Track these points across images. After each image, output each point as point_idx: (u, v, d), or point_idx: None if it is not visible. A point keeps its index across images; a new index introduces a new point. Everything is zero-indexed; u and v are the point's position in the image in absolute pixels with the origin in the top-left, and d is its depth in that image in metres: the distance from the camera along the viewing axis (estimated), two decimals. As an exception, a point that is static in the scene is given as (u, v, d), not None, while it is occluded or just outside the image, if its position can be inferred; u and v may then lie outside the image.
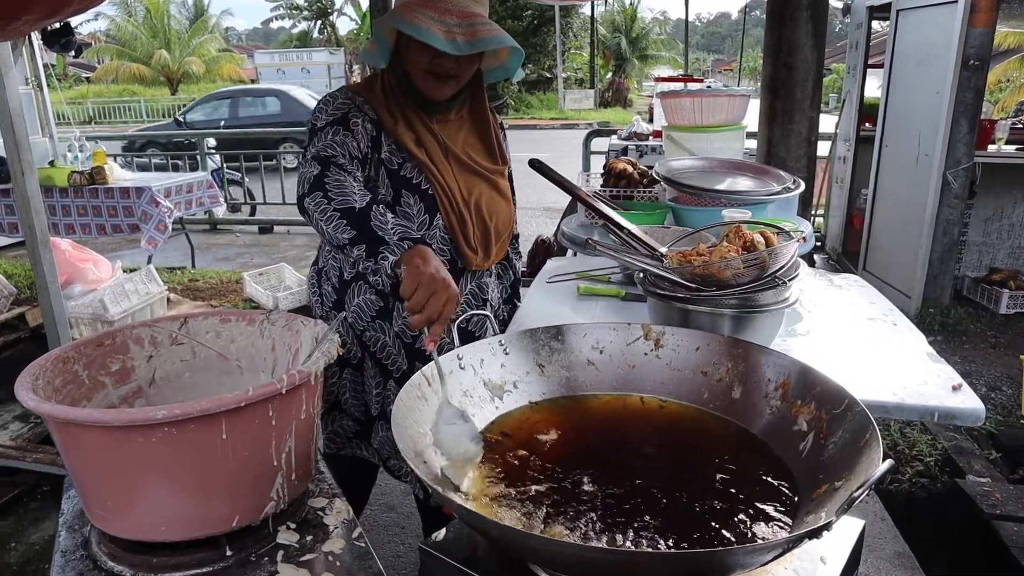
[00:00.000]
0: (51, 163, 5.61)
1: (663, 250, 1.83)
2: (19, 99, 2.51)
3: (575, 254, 3.54)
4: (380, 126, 1.72)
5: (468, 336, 1.88)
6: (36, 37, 7.06)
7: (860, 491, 0.85)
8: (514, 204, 2.03)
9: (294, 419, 1.28)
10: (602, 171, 3.12)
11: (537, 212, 8.60)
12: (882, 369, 1.69)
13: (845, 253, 6.46)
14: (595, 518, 1.14)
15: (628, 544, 1.06)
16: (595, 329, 1.60)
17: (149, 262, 5.52)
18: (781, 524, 1.09)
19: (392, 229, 1.45)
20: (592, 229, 3.01)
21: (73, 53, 6.37)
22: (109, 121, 26.53)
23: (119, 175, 5.52)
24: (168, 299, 5.14)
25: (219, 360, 1.57)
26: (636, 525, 1.11)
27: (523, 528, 1.10)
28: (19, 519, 3.05)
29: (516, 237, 2.08)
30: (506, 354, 1.54)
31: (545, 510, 1.17)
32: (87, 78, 33.10)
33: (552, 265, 2.60)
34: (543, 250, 3.79)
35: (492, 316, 1.83)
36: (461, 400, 1.43)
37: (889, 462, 0.90)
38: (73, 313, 4.45)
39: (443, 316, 1.38)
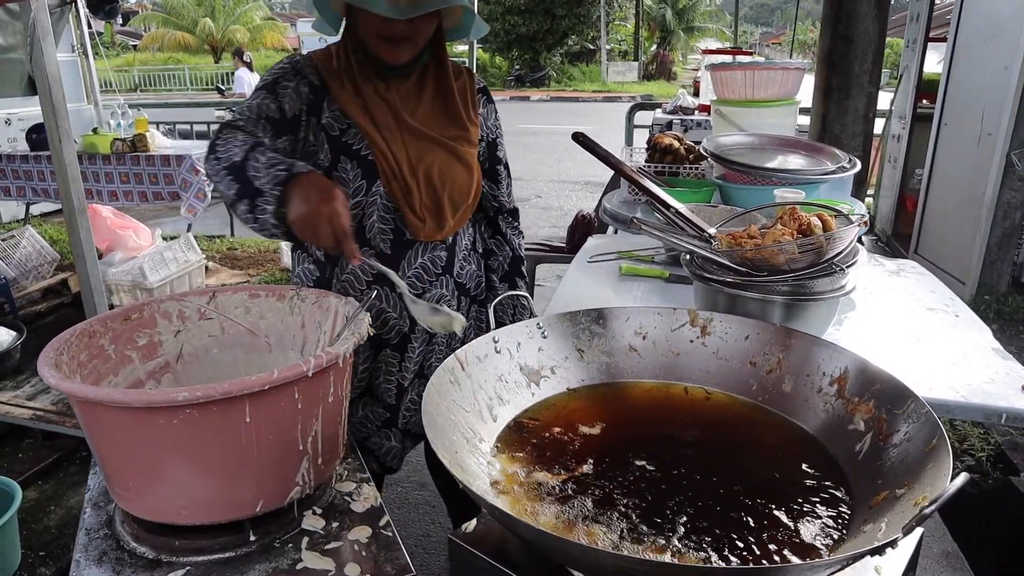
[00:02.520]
0: (95, 130, 5.65)
1: (711, 231, 1.74)
2: (57, 66, 2.48)
3: (616, 231, 3.45)
4: (325, 91, 1.65)
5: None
6: (83, 5, 7.11)
7: (931, 508, 0.77)
8: (507, 176, 1.90)
9: (321, 402, 1.23)
10: (646, 146, 3.01)
11: (577, 186, 8.47)
12: (944, 365, 1.58)
13: (896, 235, 6.25)
14: (635, 518, 1.07)
15: (670, 552, 0.99)
16: (638, 313, 1.53)
17: (188, 230, 5.53)
18: (835, 534, 1.02)
19: (264, 175, 1.33)
20: (635, 206, 2.92)
21: (120, 21, 6.39)
22: (155, 89, 26.82)
23: (160, 143, 5.54)
24: (206, 267, 5.17)
25: (248, 336, 1.53)
26: (678, 528, 1.04)
27: (557, 531, 1.04)
28: (59, 483, 3.08)
29: (514, 212, 1.95)
30: (544, 338, 1.47)
31: (581, 507, 1.10)
32: (134, 46, 33.42)
33: (593, 243, 2.51)
34: (583, 226, 3.69)
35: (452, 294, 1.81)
36: (496, 385, 1.37)
37: (964, 476, 0.81)
38: (113, 280, 4.50)
39: (340, 232, 1.29)
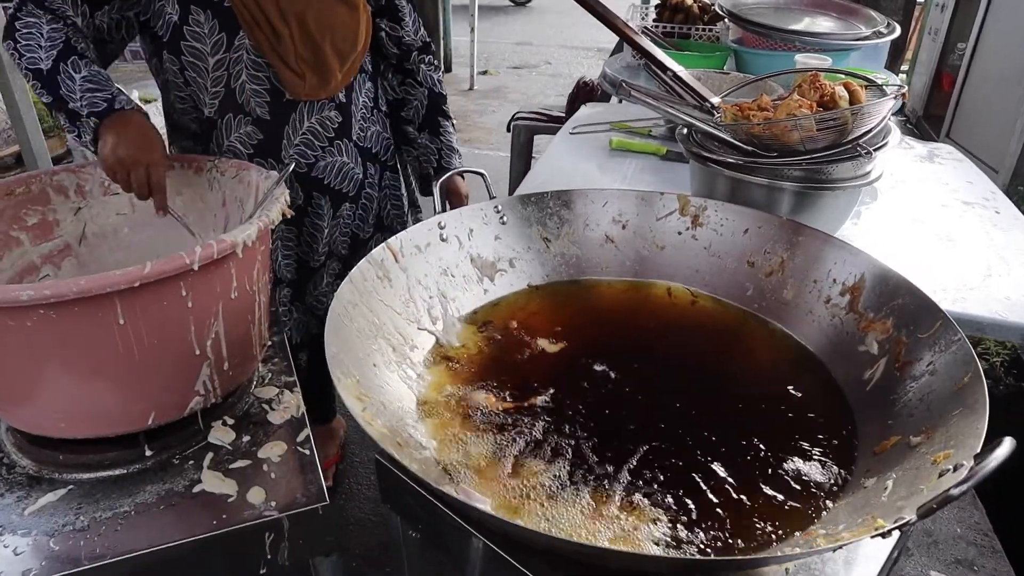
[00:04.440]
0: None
1: (715, 100, 1.47)
2: None
3: (620, 101, 3.15)
4: None
5: (314, 184, 1.57)
6: None
7: (959, 488, 0.57)
8: (411, 10, 1.63)
9: (220, 299, 1.03)
10: (657, 2, 2.67)
11: (590, 53, 7.96)
12: (979, 272, 1.35)
13: (927, 117, 5.84)
14: (584, 451, 0.88)
15: (615, 504, 0.80)
16: (618, 198, 1.29)
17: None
18: (828, 485, 0.82)
19: (80, 98, 1.23)
20: (638, 72, 2.62)
21: None
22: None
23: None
24: None
25: (162, 215, 1.31)
26: (631, 467, 0.85)
27: (479, 469, 0.85)
28: None
29: (425, 47, 1.68)
30: (503, 223, 1.25)
31: (521, 434, 0.91)
32: None
33: (585, 113, 2.24)
34: (584, 94, 3.38)
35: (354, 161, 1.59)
36: (439, 280, 1.16)
37: (1009, 443, 0.60)
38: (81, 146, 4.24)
39: (156, 185, 1.22)
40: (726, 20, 2.47)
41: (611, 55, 3.67)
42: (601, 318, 1.19)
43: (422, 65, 1.65)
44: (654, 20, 2.63)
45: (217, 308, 1.02)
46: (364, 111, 1.59)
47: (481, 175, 1.25)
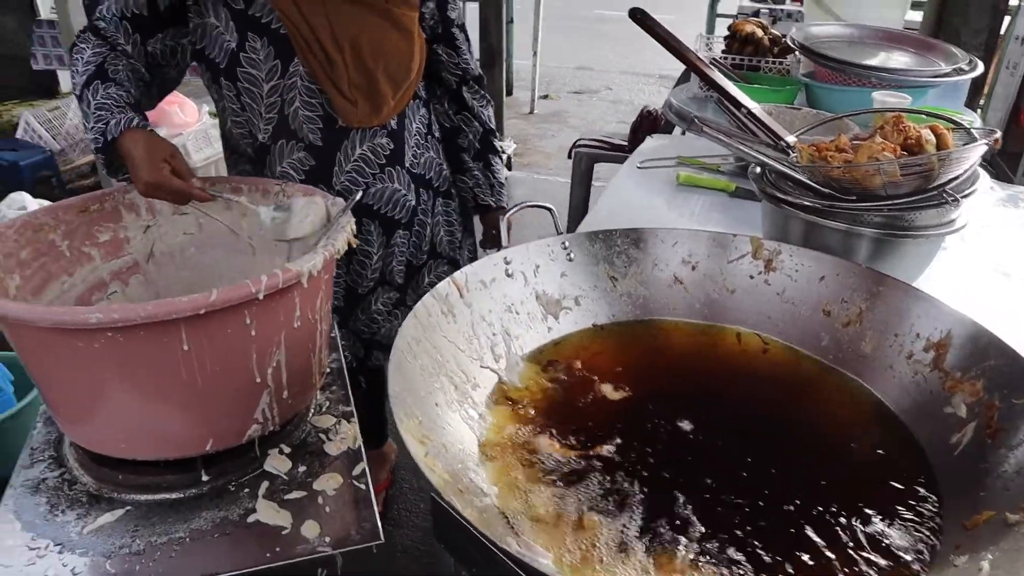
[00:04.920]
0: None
1: (790, 139, 1.43)
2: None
3: (683, 133, 3.10)
4: None
5: (364, 210, 1.55)
6: None
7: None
8: (466, 39, 1.63)
9: (283, 327, 1.02)
10: (726, 33, 2.63)
11: (651, 80, 7.92)
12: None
13: (1003, 155, 5.65)
14: (651, 510, 0.84)
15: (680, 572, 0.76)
16: (689, 238, 1.26)
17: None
18: (917, 560, 0.77)
19: (90, 128, 1.22)
20: (706, 104, 2.58)
21: None
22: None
23: (213, 13, 5.29)
24: None
25: (228, 236, 1.35)
26: (699, 530, 0.81)
27: (544, 524, 0.82)
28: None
29: (479, 80, 1.69)
30: (570, 260, 1.22)
31: (587, 487, 0.88)
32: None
33: (650, 145, 2.21)
34: (648, 124, 3.34)
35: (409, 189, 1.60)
36: (503, 317, 1.14)
37: None
38: (157, 156, 4.36)
39: (176, 192, 1.20)
40: (797, 53, 2.42)
41: (676, 85, 3.63)
42: (668, 362, 1.15)
43: (474, 100, 1.66)
44: (722, 51, 2.59)
45: (280, 337, 1.02)
46: (418, 138, 1.59)
47: (549, 210, 1.23)
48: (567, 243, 1.22)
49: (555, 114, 6.47)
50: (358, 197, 1.18)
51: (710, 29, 5.73)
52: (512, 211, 1.23)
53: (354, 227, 1.13)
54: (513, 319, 1.15)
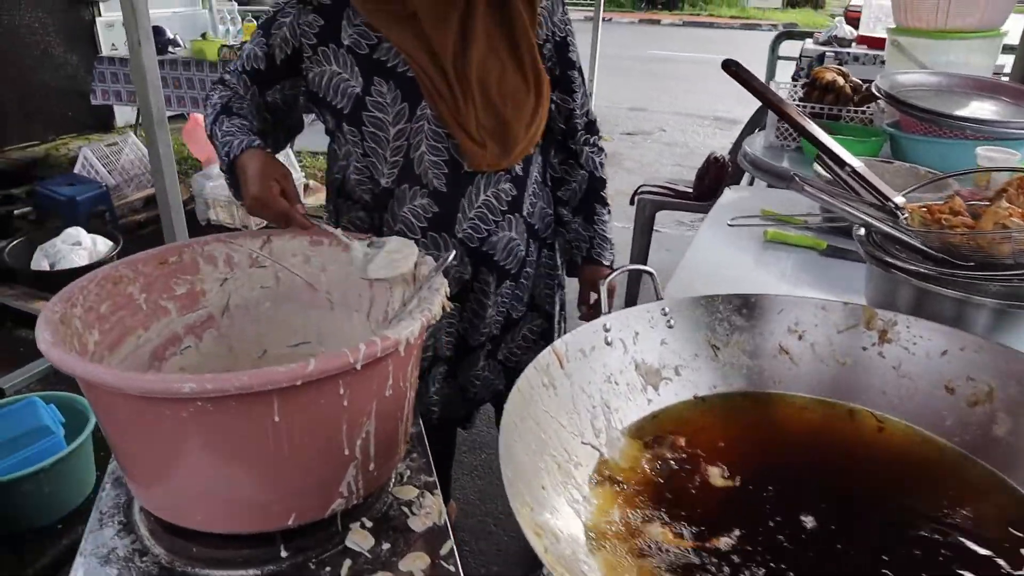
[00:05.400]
0: (203, 35, 5.55)
1: (899, 200, 1.36)
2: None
3: (751, 180, 3.05)
4: (343, 5, 1.39)
5: (483, 259, 1.54)
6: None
7: None
8: (582, 83, 1.60)
9: (375, 396, 0.98)
10: (795, 80, 2.59)
11: (705, 121, 7.89)
12: None
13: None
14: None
15: None
16: (795, 305, 1.20)
17: (292, 145, 5.42)
18: None
19: (222, 155, 1.35)
20: (782, 154, 2.53)
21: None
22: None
23: (268, 51, 5.39)
24: (306, 186, 5.06)
25: (306, 290, 1.32)
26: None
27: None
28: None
29: (590, 126, 1.64)
30: (670, 327, 1.17)
31: (708, 587, 0.81)
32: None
33: (731, 197, 2.15)
34: (715, 171, 3.29)
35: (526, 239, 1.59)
36: (603, 388, 1.08)
37: None
38: (210, 194, 4.44)
39: (278, 213, 1.28)
40: (880, 102, 2.36)
41: (744, 131, 3.59)
42: (777, 441, 1.09)
43: (586, 147, 1.63)
44: (800, 100, 2.53)
45: (371, 407, 0.98)
46: (535, 185, 1.57)
47: (650, 275, 1.18)
48: (667, 309, 1.17)
49: (609, 156, 6.44)
50: (451, 258, 1.15)
51: (771, 74, 5.68)
52: (613, 275, 1.18)
53: (448, 290, 1.09)
54: (612, 390, 1.10)
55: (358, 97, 1.38)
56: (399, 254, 1.18)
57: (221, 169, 1.37)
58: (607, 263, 1.67)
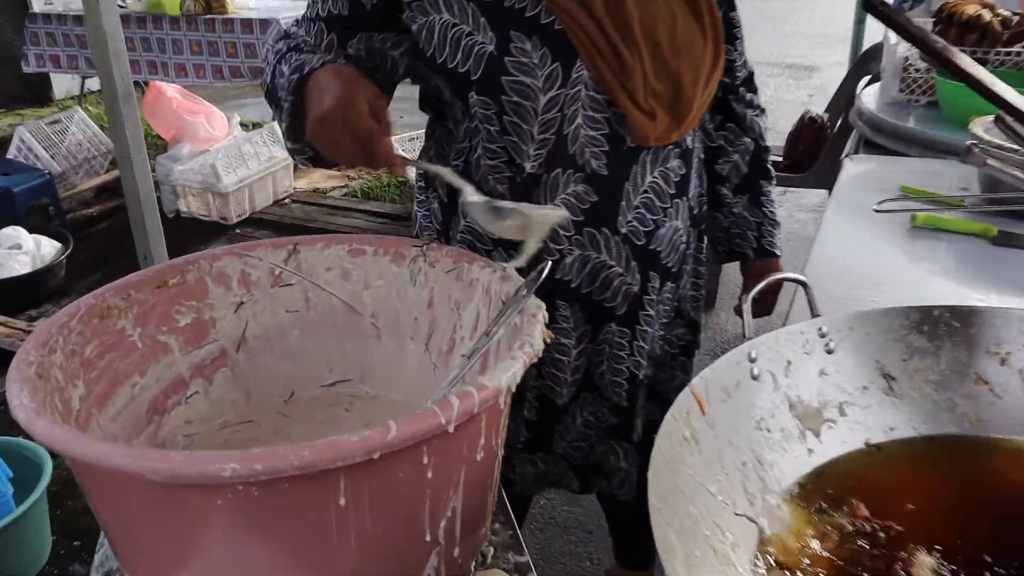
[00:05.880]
0: (161, -16, 5.50)
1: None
2: None
3: (859, 143, 2.94)
4: None
5: (649, 261, 1.45)
6: None
7: None
8: (738, 36, 1.51)
9: (464, 463, 0.91)
10: (933, 15, 2.49)
11: (777, 69, 7.75)
12: None
13: None
14: None
15: None
16: (995, 319, 1.11)
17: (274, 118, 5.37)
18: None
19: (284, 85, 1.24)
20: (907, 111, 2.44)
21: None
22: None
23: (241, 3, 5.33)
24: (295, 166, 5.03)
25: (345, 313, 1.26)
26: None
27: None
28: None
29: (748, 81, 1.56)
30: (828, 352, 1.09)
31: None
32: None
33: (857, 171, 2.06)
34: (811, 134, 3.19)
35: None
36: (752, 437, 1.00)
37: None
38: (179, 180, 4.40)
39: (363, 134, 1.12)
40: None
41: (845, 82, 3.49)
42: (988, 504, 0.99)
43: (748, 109, 1.54)
44: (931, 40, 2.43)
45: (459, 477, 0.90)
46: (697, 160, 1.48)
47: (803, 284, 1.09)
48: (824, 329, 1.08)
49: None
50: (547, 269, 1.06)
51: (865, 6, 5.54)
52: (761, 286, 1.10)
53: (546, 315, 1.00)
54: (764, 440, 1.01)
55: (492, 57, 1.27)
56: (537, 212, 1.12)
57: (281, 101, 1.23)
58: (780, 254, 1.60)
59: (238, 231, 4.54)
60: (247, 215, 4.63)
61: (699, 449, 0.93)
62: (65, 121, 4.84)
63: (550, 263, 1.07)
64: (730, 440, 0.98)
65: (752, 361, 1.03)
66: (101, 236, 4.50)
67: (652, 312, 1.48)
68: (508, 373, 0.87)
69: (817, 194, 4.04)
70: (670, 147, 1.39)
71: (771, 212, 1.60)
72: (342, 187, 5.20)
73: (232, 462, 0.73)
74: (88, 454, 0.77)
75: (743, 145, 1.56)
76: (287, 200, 4.91)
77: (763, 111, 1.59)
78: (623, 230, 1.38)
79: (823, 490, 1.00)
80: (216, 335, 1.20)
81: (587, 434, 1.55)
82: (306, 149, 1.30)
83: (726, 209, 1.59)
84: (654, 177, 1.38)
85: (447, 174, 1.19)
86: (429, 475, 0.85)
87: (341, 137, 1.12)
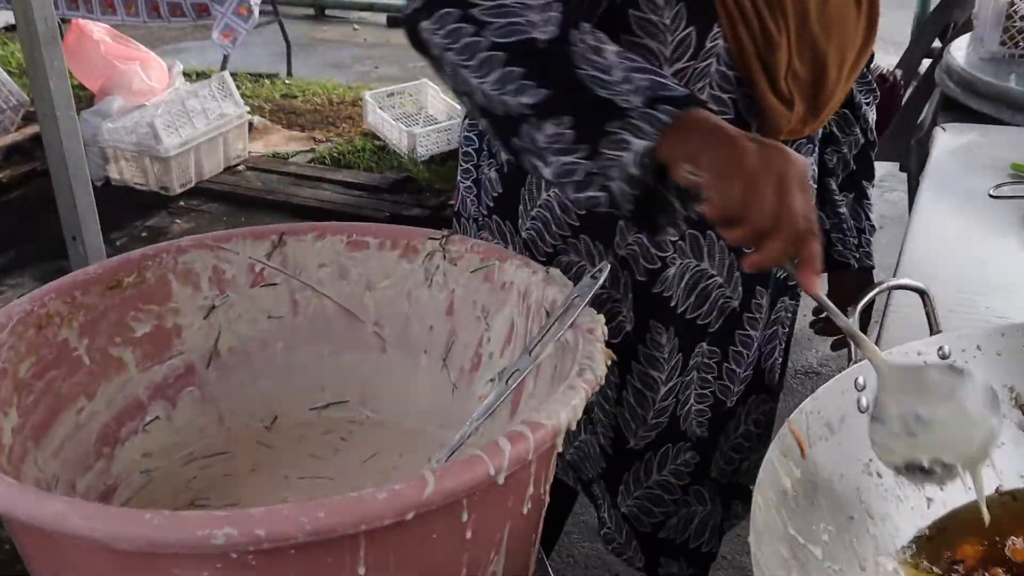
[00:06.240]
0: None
1: None
2: None
3: (938, 108, 2.92)
4: None
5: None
6: None
7: None
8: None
9: (509, 517, 0.89)
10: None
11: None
12: None
13: None
14: None
15: None
16: None
17: (224, 66, 5.34)
18: None
19: (625, 80, 1.02)
20: (1008, 68, 2.41)
21: None
22: None
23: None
24: (250, 125, 5.03)
25: (342, 320, 1.25)
26: None
27: None
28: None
29: (871, 58, 1.52)
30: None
31: None
32: None
33: (954, 143, 2.04)
34: (886, 95, 3.17)
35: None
36: (860, 482, 1.00)
37: None
38: (109, 141, 4.36)
39: (807, 230, 0.95)
40: None
41: (924, 35, 3.47)
42: None
43: (864, 96, 1.54)
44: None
45: (502, 534, 0.89)
46: (815, 155, 1.48)
47: (922, 294, 1.07)
48: (947, 349, 1.07)
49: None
50: (606, 272, 1.02)
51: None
52: (868, 297, 1.07)
53: (605, 330, 0.97)
54: (874, 487, 1.01)
55: (616, 14, 1.21)
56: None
57: (638, 109, 0.99)
58: (872, 264, 1.60)
59: (182, 203, 4.50)
60: (192, 184, 4.58)
61: (802, 496, 0.92)
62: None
63: (608, 265, 1.03)
64: (833, 486, 0.97)
65: (860, 390, 1.01)
66: (12, 208, 4.45)
67: (751, 332, 1.48)
68: (567, 407, 0.84)
69: (884, 167, 4.04)
70: (802, 141, 1.38)
71: (872, 220, 1.60)
72: (307, 151, 5.17)
73: (227, 526, 0.69)
74: (33, 514, 0.72)
75: (854, 136, 1.56)
76: (241, 167, 4.86)
77: (877, 97, 1.59)
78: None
79: (946, 550, 0.99)
80: (181, 347, 1.17)
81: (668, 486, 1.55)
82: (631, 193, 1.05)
83: (830, 207, 1.58)
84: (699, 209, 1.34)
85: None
86: (468, 534, 0.82)
87: (795, 249, 0.97)
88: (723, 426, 1.55)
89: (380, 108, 5.24)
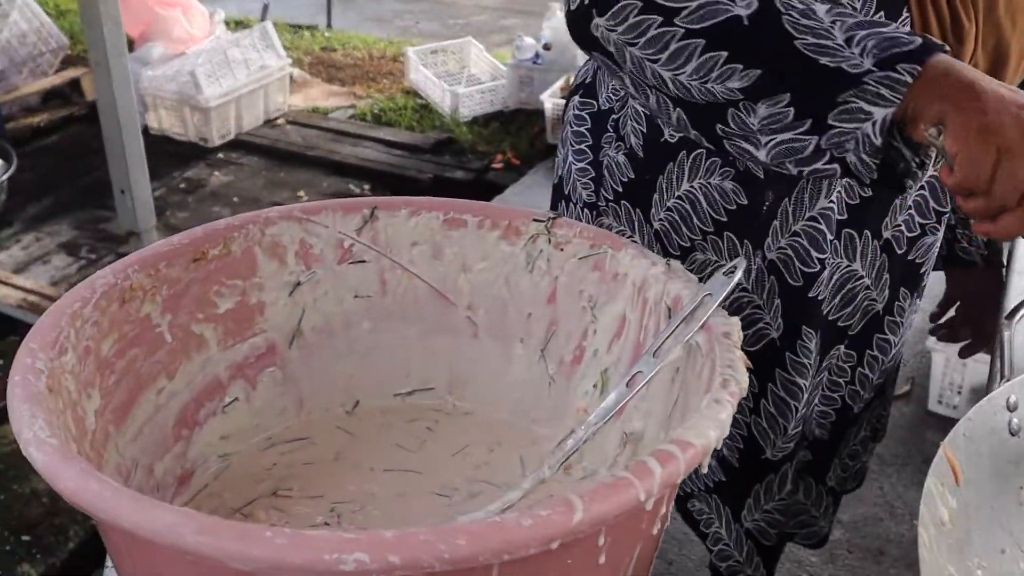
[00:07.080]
0: None
1: None
2: None
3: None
4: None
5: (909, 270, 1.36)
6: None
7: None
8: None
9: (639, 542, 0.82)
10: None
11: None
12: None
13: None
14: None
15: None
16: None
17: (264, 16, 5.27)
18: None
19: (849, 41, 0.94)
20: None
21: None
22: None
23: None
24: (291, 78, 4.97)
25: (433, 302, 1.19)
26: None
27: None
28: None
29: None
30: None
31: None
32: None
33: None
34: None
35: None
36: (1012, 515, 0.93)
37: None
38: (149, 89, 4.31)
39: None
40: None
41: None
42: None
43: None
44: None
45: (631, 556, 0.82)
46: None
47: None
48: None
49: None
50: (741, 270, 0.94)
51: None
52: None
53: (739, 332, 0.90)
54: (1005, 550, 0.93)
55: None
56: None
57: (878, 60, 0.92)
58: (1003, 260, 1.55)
59: (220, 155, 4.47)
60: (232, 136, 4.55)
61: (954, 536, 0.86)
62: (6, 6, 4.72)
63: (744, 262, 0.96)
64: (991, 517, 0.91)
65: (1011, 410, 0.95)
66: (49, 153, 4.41)
67: (890, 337, 1.43)
68: (716, 424, 0.78)
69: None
70: None
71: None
72: (347, 107, 5.12)
73: (358, 550, 0.63)
74: (141, 525, 0.66)
75: None
76: (280, 120, 4.83)
77: None
78: (886, 234, 1.30)
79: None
80: (264, 325, 1.12)
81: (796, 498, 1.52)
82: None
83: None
84: (935, 172, 1.26)
85: None
86: (601, 559, 0.76)
87: None
88: (843, 431, 1.50)
89: (423, 65, 5.18)
